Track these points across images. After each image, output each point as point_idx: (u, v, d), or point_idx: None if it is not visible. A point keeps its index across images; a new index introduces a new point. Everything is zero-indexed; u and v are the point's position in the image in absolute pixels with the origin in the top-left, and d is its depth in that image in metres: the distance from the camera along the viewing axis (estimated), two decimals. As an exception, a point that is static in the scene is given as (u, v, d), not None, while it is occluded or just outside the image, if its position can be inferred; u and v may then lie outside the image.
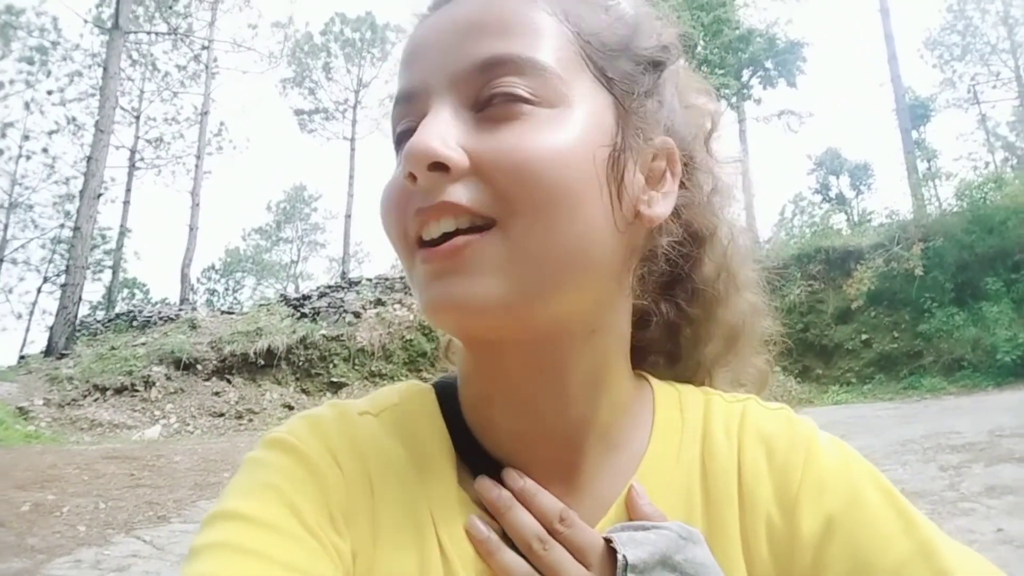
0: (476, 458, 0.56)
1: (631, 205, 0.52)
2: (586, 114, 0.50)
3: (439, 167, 0.47)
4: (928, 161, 22.02)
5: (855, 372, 13.99)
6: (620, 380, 0.58)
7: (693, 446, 0.58)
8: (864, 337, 14.27)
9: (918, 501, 5.14)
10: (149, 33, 24.83)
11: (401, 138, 0.52)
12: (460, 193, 0.47)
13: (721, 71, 18.94)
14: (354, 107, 28.51)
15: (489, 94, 0.48)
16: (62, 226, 27.96)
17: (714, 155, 0.63)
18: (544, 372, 0.53)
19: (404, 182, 0.48)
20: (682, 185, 0.58)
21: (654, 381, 0.63)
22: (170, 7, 24.07)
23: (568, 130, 0.48)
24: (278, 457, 0.52)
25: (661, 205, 0.54)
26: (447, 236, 0.47)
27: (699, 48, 19.09)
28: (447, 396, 0.60)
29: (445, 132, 0.47)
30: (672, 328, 0.65)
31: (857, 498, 0.52)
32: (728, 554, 0.53)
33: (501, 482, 0.54)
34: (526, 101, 0.48)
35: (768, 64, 20.12)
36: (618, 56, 0.53)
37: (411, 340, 14.04)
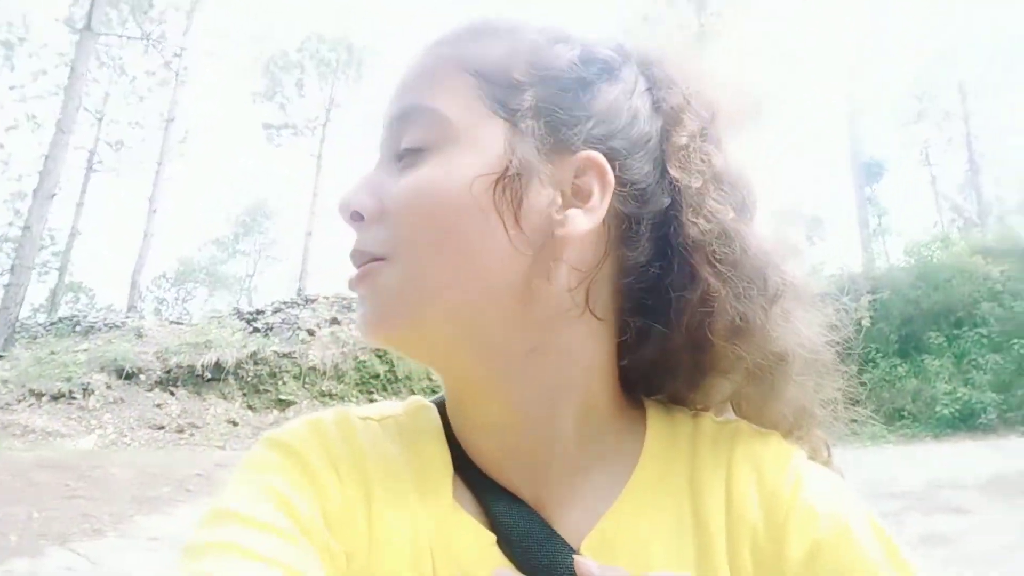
0: (471, 473, 0.58)
1: (540, 225, 0.53)
2: (468, 149, 0.54)
3: (357, 216, 0.57)
4: (879, 217, 22.78)
5: (801, 417, 14.14)
6: (590, 398, 0.59)
7: (682, 466, 0.59)
8: (811, 384, 14.44)
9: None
10: (120, 36, 24.43)
11: None
12: (372, 240, 0.56)
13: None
14: (324, 125, 28.36)
15: (401, 144, 0.57)
16: (10, 224, 27.07)
17: (688, 160, 0.57)
18: (495, 390, 0.56)
19: None
20: (639, 196, 0.57)
21: (648, 403, 0.64)
22: (144, 12, 23.74)
23: (444, 168, 0.54)
24: (277, 458, 0.54)
25: (580, 222, 0.53)
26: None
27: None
28: (443, 414, 0.62)
29: (370, 184, 0.57)
30: (670, 357, 0.62)
31: (845, 527, 0.53)
32: (717, 574, 0.54)
33: (500, 496, 0.57)
34: (426, 148, 0.55)
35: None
36: (520, 86, 0.55)
37: (364, 361, 13.83)
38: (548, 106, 0.55)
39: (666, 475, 0.59)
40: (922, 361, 13.47)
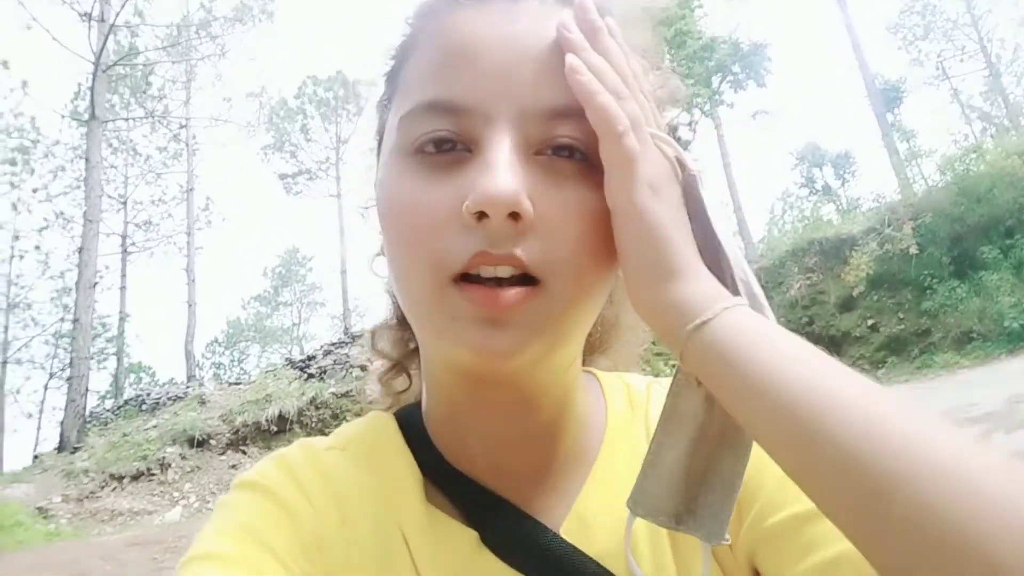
0: (444, 475, 0.57)
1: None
2: (599, 178, 0.49)
3: (516, 216, 0.45)
4: (907, 141, 22.19)
5: (867, 358, 13.83)
6: (580, 394, 0.60)
7: (641, 434, 0.60)
8: (871, 322, 14.20)
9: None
10: (127, 119, 25.14)
11: (437, 146, 0.48)
12: (525, 248, 0.46)
13: (690, 81, 19.18)
14: (336, 164, 28.73)
15: (553, 143, 0.48)
16: (62, 320, 28.02)
17: None
18: (523, 402, 0.55)
19: (465, 216, 0.45)
20: None
21: (600, 375, 0.66)
22: (144, 91, 24.42)
23: (597, 193, 0.48)
24: (247, 497, 0.54)
25: None
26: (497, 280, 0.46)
27: (666, 61, 19.30)
28: (410, 420, 0.61)
29: (520, 178, 0.45)
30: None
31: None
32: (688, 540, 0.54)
33: (475, 492, 0.56)
34: (583, 160, 0.48)
35: (735, 68, 20.35)
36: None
37: (421, 386, 13.92)
38: None
39: (632, 449, 0.58)
40: (980, 278, 13.08)
